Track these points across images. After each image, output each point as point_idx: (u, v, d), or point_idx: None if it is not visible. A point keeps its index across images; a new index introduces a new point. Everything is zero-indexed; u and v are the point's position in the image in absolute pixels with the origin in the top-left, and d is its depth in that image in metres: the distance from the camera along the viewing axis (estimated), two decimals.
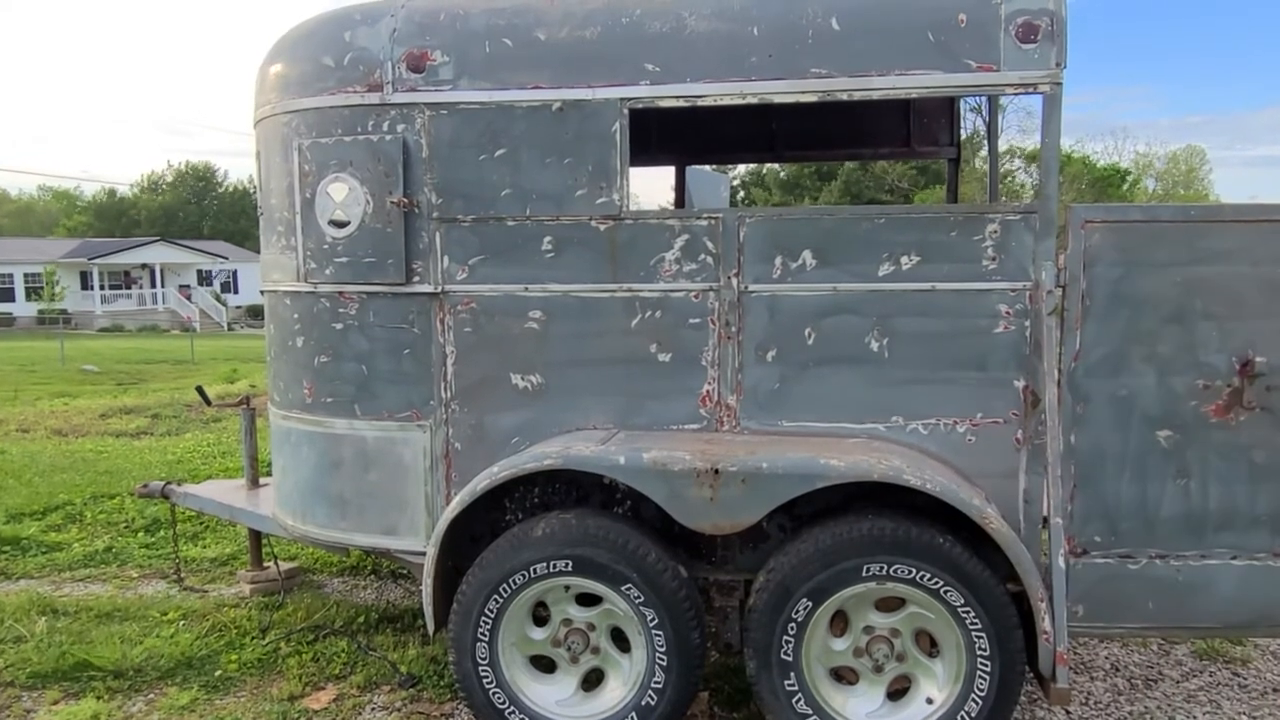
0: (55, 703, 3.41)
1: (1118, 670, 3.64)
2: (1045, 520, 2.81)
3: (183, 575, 4.76)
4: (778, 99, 2.90)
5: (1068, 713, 3.29)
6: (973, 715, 2.71)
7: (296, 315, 3.33)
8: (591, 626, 2.99)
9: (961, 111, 4.84)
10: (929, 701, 2.79)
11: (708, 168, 5.70)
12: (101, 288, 45.85)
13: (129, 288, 47.32)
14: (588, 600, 2.98)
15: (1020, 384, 2.84)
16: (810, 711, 2.78)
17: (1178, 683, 3.53)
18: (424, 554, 3.03)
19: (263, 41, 3.48)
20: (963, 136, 4.90)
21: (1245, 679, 3.57)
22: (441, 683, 3.48)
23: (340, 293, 3.22)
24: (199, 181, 73.76)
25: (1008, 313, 2.83)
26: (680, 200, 5.15)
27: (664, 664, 2.83)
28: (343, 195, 3.14)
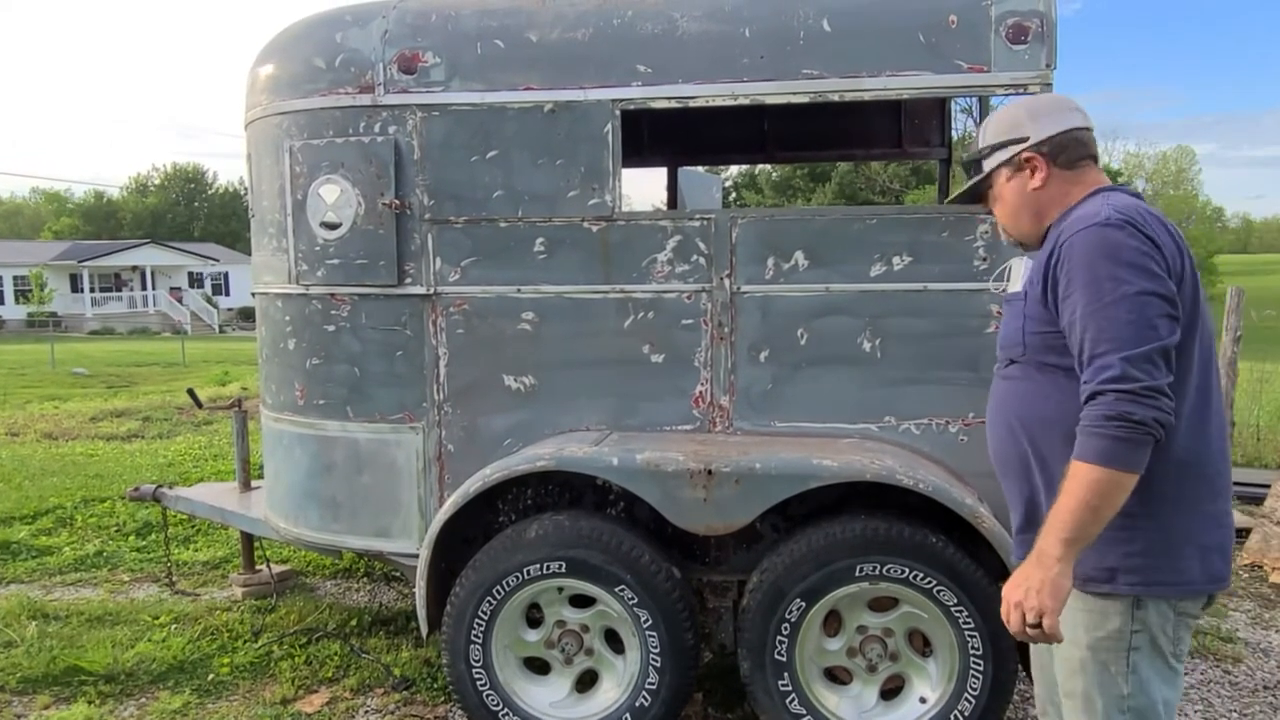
0: (46, 707, 3.39)
1: None
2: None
3: (174, 579, 4.75)
4: (769, 100, 2.90)
5: None
6: (966, 714, 2.72)
7: (288, 317, 3.32)
8: (585, 628, 2.99)
9: (952, 112, 4.86)
10: (922, 701, 2.80)
11: (700, 169, 5.70)
12: (91, 290, 45.61)
13: (119, 290, 47.08)
14: (581, 602, 2.98)
15: None
16: (804, 711, 2.79)
17: None
18: (417, 556, 3.03)
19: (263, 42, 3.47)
20: (954, 137, 4.92)
21: (1236, 677, 3.58)
22: (435, 685, 3.47)
23: (332, 295, 3.21)
24: (188, 183, 73.50)
25: (999, 313, 2.83)
26: (672, 201, 5.15)
27: (658, 665, 2.83)
28: (334, 197, 3.13)
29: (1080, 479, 1.64)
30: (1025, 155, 1.90)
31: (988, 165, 1.96)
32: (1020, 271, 1.97)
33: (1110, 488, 1.62)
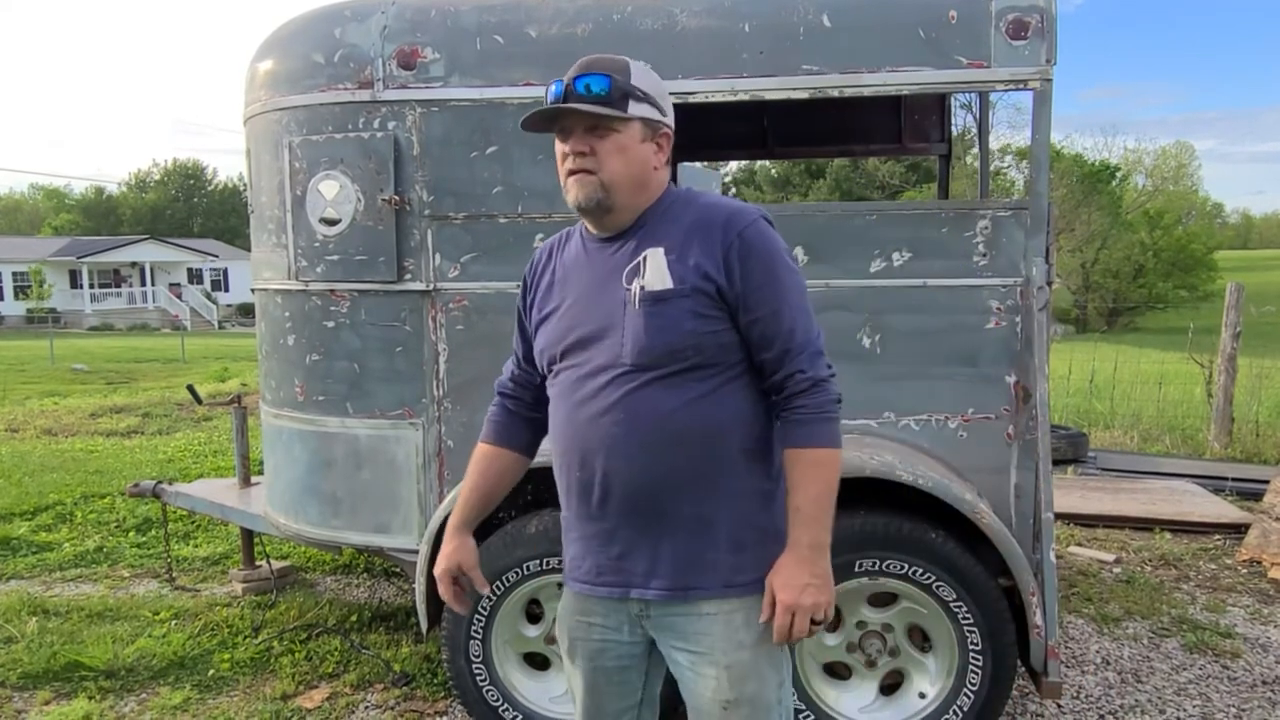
0: (47, 703, 3.40)
1: (1108, 664, 3.66)
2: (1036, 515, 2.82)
3: (174, 575, 4.75)
4: (769, 96, 2.90)
5: (1059, 706, 3.31)
6: (965, 709, 2.72)
7: (288, 313, 3.32)
8: None
9: (952, 108, 4.85)
10: (921, 696, 2.80)
11: (699, 165, 5.70)
12: (91, 286, 45.60)
13: (118, 286, 47.07)
14: None
15: (1011, 380, 2.85)
16: (803, 707, 2.79)
17: (1168, 676, 3.56)
18: (417, 552, 3.03)
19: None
20: (954, 133, 4.91)
21: (1234, 672, 3.59)
22: (435, 681, 3.48)
23: (331, 291, 3.21)
24: (188, 179, 73.42)
25: (999, 309, 2.84)
26: None
27: None
28: (334, 193, 3.13)
29: (825, 465, 1.62)
30: (665, 131, 1.74)
31: (635, 108, 1.66)
32: (660, 265, 1.65)
33: (838, 463, 1.65)
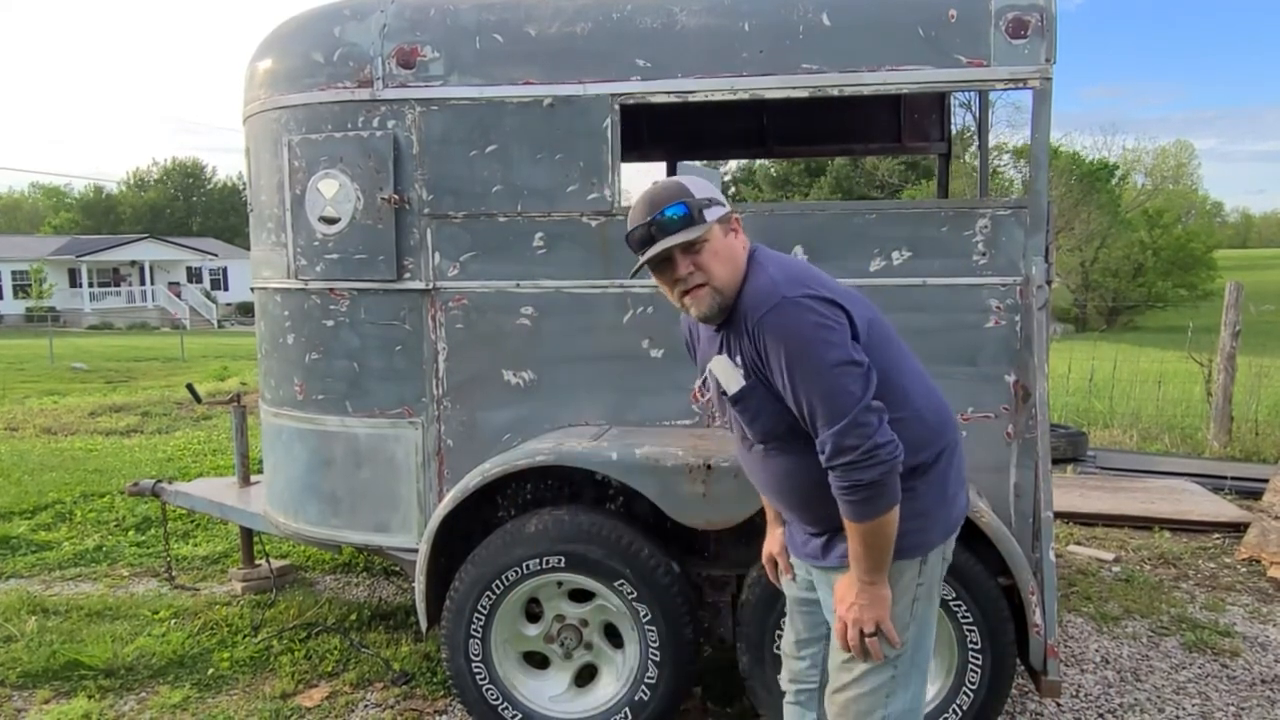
0: (46, 702, 3.40)
1: (1108, 663, 3.66)
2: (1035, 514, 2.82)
3: (174, 574, 4.75)
4: (769, 95, 2.90)
5: (1058, 705, 3.31)
6: (964, 708, 2.72)
7: (287, 312, 3.32)
8: (584, 622, 2.99)
9: (951, 107, 4.85)
10: None
11: (699, 163, 5.70)
12: (90, 285, 45.55)
13: (118, 285, 47.02)
14: (581, 596, 2.99)
15: (1011, 379, 2.86)
16: None
17: (1167, 674, 3.56)
18: (416, 551, 3.03)
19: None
20: (953, 132, 4.91)
21: (1234, 671, 3.59)
22: (434, 680, 3.48)
23: (331, 290, 3.21)
24: (187, 178, 73.34)
25: (998, 307, 2.84)
26: None
27: (657, 659, 2.84)
28: (333, 192, 3.13)
29: (853, 533, 1.81)
30: (735, 215, 1.90)
31: (709, 214, 1.82)
32: (728, 369, 1.89)
33: (877, 530, 1.79)
